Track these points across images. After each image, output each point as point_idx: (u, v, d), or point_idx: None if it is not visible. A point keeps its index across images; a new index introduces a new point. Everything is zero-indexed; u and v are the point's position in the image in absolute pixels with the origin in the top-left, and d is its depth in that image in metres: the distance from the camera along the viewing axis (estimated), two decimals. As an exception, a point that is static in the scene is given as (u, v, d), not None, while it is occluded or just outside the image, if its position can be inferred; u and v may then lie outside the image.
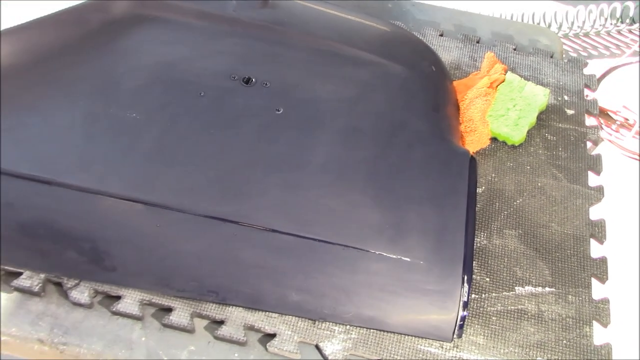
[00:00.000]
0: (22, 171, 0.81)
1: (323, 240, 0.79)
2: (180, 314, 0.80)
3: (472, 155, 0.90)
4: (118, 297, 0.81)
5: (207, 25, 0.99)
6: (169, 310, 0.80)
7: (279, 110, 0.90)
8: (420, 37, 1.13)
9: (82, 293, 0.80)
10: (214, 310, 0.80)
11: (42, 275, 0.82)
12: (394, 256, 0.79)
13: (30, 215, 0.80)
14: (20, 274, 0.82)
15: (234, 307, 0.80)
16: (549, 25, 1.80)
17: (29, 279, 0.81)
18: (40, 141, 0.84)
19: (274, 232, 0.80)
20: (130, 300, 0.80)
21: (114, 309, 0.80)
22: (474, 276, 0.84)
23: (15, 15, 0.94)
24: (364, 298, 0.79)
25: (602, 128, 1.64)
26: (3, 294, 0.81)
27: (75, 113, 0.86)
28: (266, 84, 0.92)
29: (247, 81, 0.92)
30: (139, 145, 0.84)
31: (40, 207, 0.80)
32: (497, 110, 1.00)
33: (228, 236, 0.80)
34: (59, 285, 0.82)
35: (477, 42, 1.16)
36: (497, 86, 1.03)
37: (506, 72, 1.05)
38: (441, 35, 1.17)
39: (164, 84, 0.91)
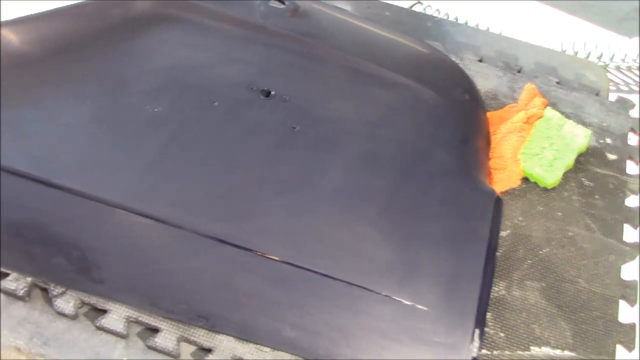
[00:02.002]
0: (17, 168, 0.77)
1: (325, 275, 0.74)
2: (167, 337, 0.75)
3: (498, 196, 0.83)
4: (104, 311, 0.76)
5: (231, 30, 0.94)
6: (155, 330, 0.75)
7: (295, 128, 0.84)
8: (457, 61, 1.06)
9: (67, 302, 0.76)
10: (202, 336, 0.75)
11: (29, 279, 0.77)
12: (401, 300, 0.73)
13: (21, 215, 0.77)
14: (7, 275, 0.78)
15: (224, 335, 0.75)
16: (601, 56, 1.70)
17: (14, 282, 0.77)
18: (40, 139, 0.80)
19: (273, 260, 0.74)
20: (116, 316, 0.76)
21: (98, 324, 0.75)
22: (487, 330, 0.77)
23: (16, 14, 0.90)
24: (363, 342, 0.73)
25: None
26: (-14, 295, 0.77)
27: (80, 112, 0.82)
28: (285, 98, 0.87)
29: (267, 94, 0.87)
30: (142, 152, 0.80)
31: (32, 207, 0.77)
32: (531, 148, 0.92)
33: (224, 259, 0.75)
34: (45, 291, 0.78)
35: (518, 71, 1.09)
36: (534, 122, 0.95)
37: (545, 107, 0.98)
38: (480, 60, 1.10)
39: (177, 90, 0.86)
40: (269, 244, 0.75)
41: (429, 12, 1.39)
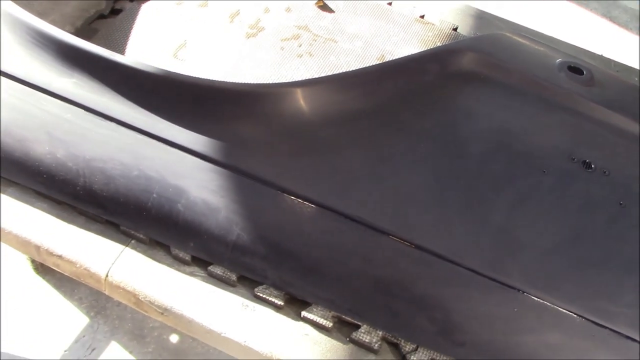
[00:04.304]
0: (384, 227, 0.80)
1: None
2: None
3: None
4: (455, 372, 0.79)
5: (540, 95, 0.96)
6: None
7: (621, 204, 0.86)
8: None
9: (420, 361, 0.78)
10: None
11: (380, 333, 0.80)
12: None
13: (386, 273, 0.79)
14: (357, 326, 0.80)
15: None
16: None
17: (367, 334, 0.80)
18: (396, 197, 0.82)
19: (634, 341, 0.76)
20: (470, 379, 0.78)
21: (454, 385, 0.78)
22: None
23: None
24: None
25: None
26: (340, 344, 0.80)
27: (425, 172, 0.85)
28: (606, 173, 0.89)
29: (588, 166, 0.89)
30: (491, 218, 0.82)
31: (398, 266, 0.79)
32: None
33: (585, 335, 0.77)
34: (393, 345, 0.81)
35: None
36: None
37: None
38: None
39: (508, 155, 0.88)
40: (629, 324, 0.77)
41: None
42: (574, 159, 0.90)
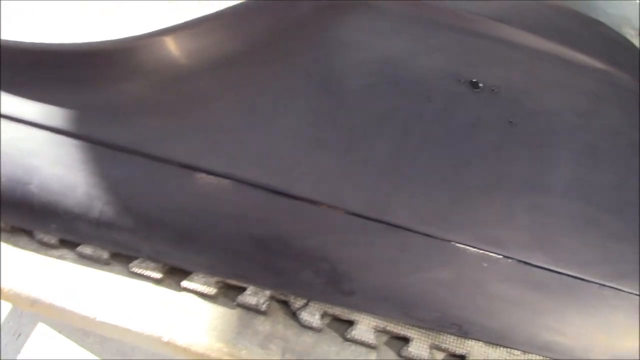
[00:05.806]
0: (257, 181, 0.74)
1: (580, 278, 0.73)
2: (419, 346, 0.74)
3: None
4: (349, 322, 0.75)
5: (420, 15, 0.89)
6: (404, 339, 0.75)
7: (511, 121, 0.82)
8: (622, 37, 1.03)
9: (312, 315, 0.75)
10: (453, 343, 0.75)
11: (267, 293, 0.75)
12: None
13: (265, 229, 0.74)
14: (244, 289, 0.76)
15: (474, 341, 0.74)
16: None
17: (254, 296, 0.75)
18: (269, 147, 0.76)
19: (526, 265, 0.73)
20: (365, 327, 0.75)
21: (348, 336, 0.74)
22: None
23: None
24: (615, 342, 0.73)
25: None
26: (226, 310, 0.75)
27: (299, 116, 0.79)
28: (494, 90, 0.84)
29: (475, 85, 0.84)
30: (373, 156, 0.77)
31: (276, 221, 0.74)
32: None
33: (476, 266, 0.73)
34: (283, 303, 0.76)
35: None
36: None
37: None
38: (643, 35, 1.07)
39: (390, 84, 0.82)
40: (518, 248, 0.73)
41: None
42: (460, 80, 0.84)
